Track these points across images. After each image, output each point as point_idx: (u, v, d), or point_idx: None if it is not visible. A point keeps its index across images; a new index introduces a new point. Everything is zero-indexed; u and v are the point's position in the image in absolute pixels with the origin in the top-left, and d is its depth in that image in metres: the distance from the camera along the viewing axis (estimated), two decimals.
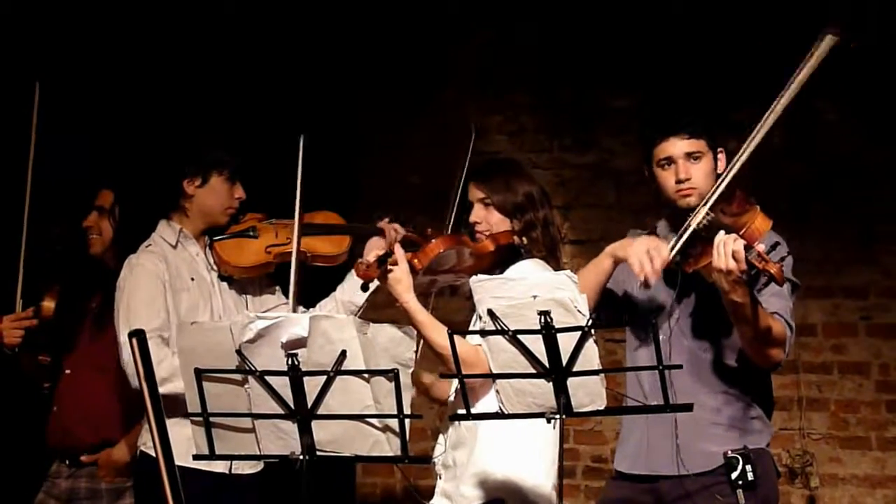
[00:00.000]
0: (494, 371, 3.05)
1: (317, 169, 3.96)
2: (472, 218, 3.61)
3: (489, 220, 3.59)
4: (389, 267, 3.44)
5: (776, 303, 3.31)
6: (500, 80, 5.75)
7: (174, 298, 3.84)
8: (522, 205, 3.59)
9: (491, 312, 2.98)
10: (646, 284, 3.27)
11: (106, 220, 4.23)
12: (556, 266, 3.52)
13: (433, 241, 3.56)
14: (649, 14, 5.45)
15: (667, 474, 3.39)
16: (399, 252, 3.47)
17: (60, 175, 4.54)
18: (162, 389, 3.45)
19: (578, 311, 2.92)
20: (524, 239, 3.56)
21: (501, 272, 3.49)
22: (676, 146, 3.41)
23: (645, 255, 3.24)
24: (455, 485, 3.48)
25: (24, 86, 4.38)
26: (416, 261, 3.50)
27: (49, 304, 4.19)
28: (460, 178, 3.75)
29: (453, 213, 3.75)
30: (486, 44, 5.75)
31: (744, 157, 3.24)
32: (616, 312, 3.55)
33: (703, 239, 3.22)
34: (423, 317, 3.43)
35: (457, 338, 3.17)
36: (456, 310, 3.91)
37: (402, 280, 3.44)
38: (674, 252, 3.25)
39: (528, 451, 3.41)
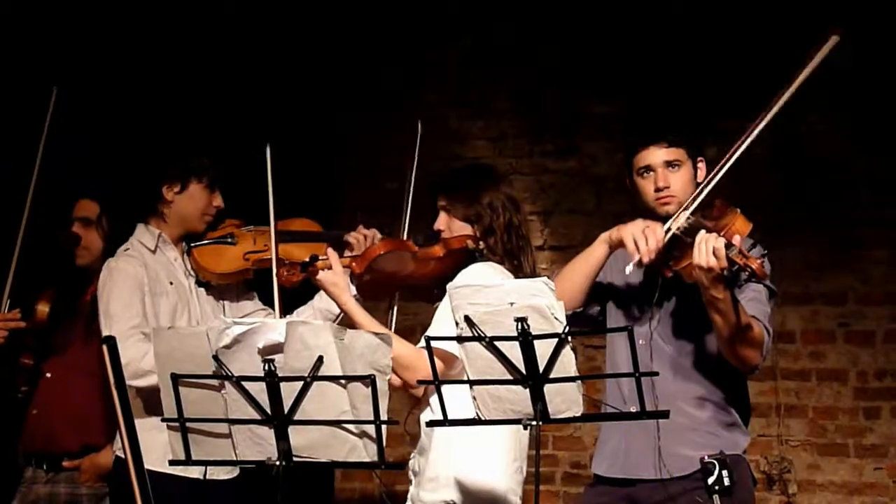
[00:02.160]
0: (471, 377, 3.05)
1: (296, 174, 3.95)
2: (437, 225, 3.65)
3: (451, 227, 3.62)
4: (321, 269, 3.48)
5: (754, 307, 3.34)
6: (481, 86, 5.76)
7: (153, 302, 3.83)
8: (480, 213, 3.61)
9: (468, 319, 2.98)
10: (639, 264, 3.30)
11: (93, 232, 4.20)
12: (515, 270, 3.54)
13: (374, 244, 3.58)
14: (632, 21, 5.47)
15: (644, 478, 3.41)
16: (332, 255, 3.53)
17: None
18: (145, 381, 3.50)
19: (555, 317, 2.92)
20: (480, 244, 3.58)
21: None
22: (655, 155, 3.44)
23: (640, 234, 3.28)
24: (417, 491, 3.50)
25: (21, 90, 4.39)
26: (354, 264, 3.54)
27: (43, 308, 4.17)
28: (410, 177, 3.80)
29: (407, 217, 3.78)
30: (467, 48, 5.76)
31: (730, 163, 3.27)
32: (601, 306, 3.58)
33: (682, 242, 3.25)
34: (363, 318, 3.50)
35: (396, 338, 3.23)
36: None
37: (336, 283, 3.50)
38: (668, 235, 3.28)
39: (483, 455, 3.43)
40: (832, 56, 3.27)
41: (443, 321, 3.32)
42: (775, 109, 3.26)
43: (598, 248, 3.46)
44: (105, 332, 3.72)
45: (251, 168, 3.87)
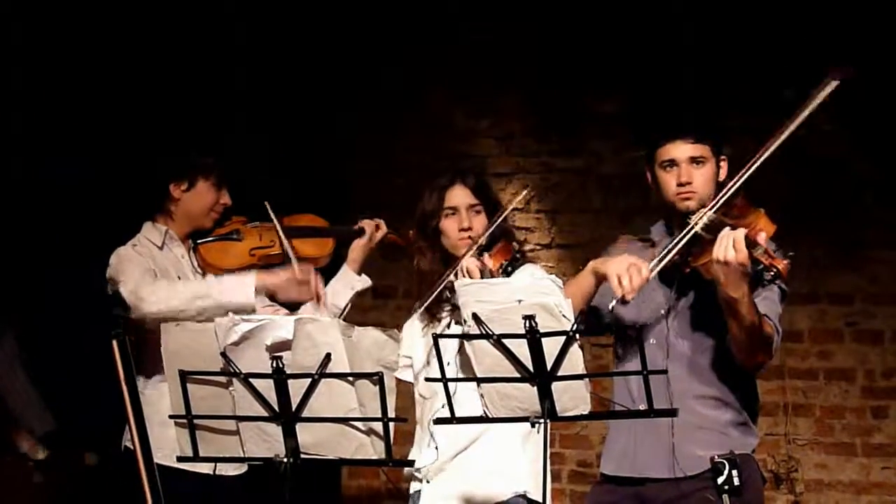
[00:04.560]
0: (479, 375, 3.05)
1: (304, 171, 3.96)
2: (463, 224, 3.62)
3: (476, 226, 3.61)
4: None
5: (767, 306, 3.32)
6: (488, 84, 5.75)
7: None
8: (506, 216, 3.64)
9: (476, 316, 2.98)
10: (622, 301, 3.26)
11: None
12: None
13: (511, 246, 3.56)
14: (638, 19, 5.46)
15: (653, 477, 3.40)
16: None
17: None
18: (162, 308, 3.54)
19: (563, 315, 2.93)
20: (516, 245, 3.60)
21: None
22: (681, 149, 3.41)
23: (625, 273, 3.23)
24: (455, 490, 3.51)
25: None
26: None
27: None
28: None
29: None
30: (474, 47, 5.75)
31: (755, 167, 3.23)
32: (605, 325, 3.56)
33: (703, 239, 3.23)
34: None
35: None
36: None
37: None
38: (654, 272, 3.25)
39: (535, 447, 3.42)
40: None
41: None
42: (803, 117, 3.23)
43: (587, 278, 3.40)
44: (121, 288, 3.73)
45: (256, 165, 3.88)
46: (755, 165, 3.24)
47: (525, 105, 5.74)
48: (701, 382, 3.41)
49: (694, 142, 3.41)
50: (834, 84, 3.16)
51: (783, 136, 3.21)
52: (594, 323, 3.53)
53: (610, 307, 3.30)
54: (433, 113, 5.78)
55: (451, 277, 3.50)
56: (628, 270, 3.22)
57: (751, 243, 3.10)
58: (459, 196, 3.67)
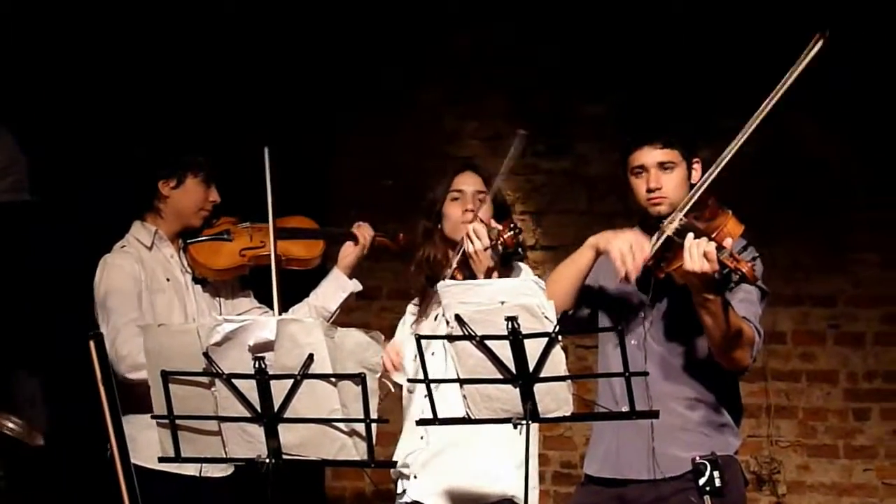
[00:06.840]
0: (461, 376, 3.06)
1: (290, 172, 3.95)
2: (468, 206, 3.62)
3: (481, 214, 3.60)
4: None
5: (745, 308, 3.34)
6: (475, 86, 5.76)
7: (150, 299, 3.82)
8: (508, 208, 3.68)
9: (458, 318, 2.99)
10: (626, 279, 3.30)
11: None
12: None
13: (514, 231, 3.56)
14: (625, 21, 5.47)
15: (636, 478, 3.42)
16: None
17: None
18: (142, 375, 3.44)
19: (546, 317, 2.93)
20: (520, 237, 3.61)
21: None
22: (649, 155, 3.43)
23: (628, 250, 3.27)
24: (443, 485, 3.51)
25: None
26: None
27: None
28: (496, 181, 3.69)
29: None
30: (461, 49, 5.76)
31: (722, 165, 3.26)
32: (591, 308, 3.57)
33: (675, 243, 3.25)
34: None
35: None
36: None
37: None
38: (654, 250, 3.28)
39: (520, 448, 3.42)
40: (822, 57, 3.26)
41: None
42: (762, 114, 3.24)
43: (586, 253, 3.45)
44: (102, 326, 3.72)
45: (247, 166, 3.88)
46: (718, 170, 3.26)
47: (512, 107, 5.75)
48: (680, 384, 3.42)
49: (662, 147, 3.43)
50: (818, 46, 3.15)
51: (769, 105, 3.23)
52: (584, 305, 3.55)
53: (611, 286, 3.36)
54: (422, 114, 5.78)
55: (466, 245, 3.50)
56: (631, 249, 3.27)
57: (717, 247, 3.12)
58: (468, 181, 3.69)
